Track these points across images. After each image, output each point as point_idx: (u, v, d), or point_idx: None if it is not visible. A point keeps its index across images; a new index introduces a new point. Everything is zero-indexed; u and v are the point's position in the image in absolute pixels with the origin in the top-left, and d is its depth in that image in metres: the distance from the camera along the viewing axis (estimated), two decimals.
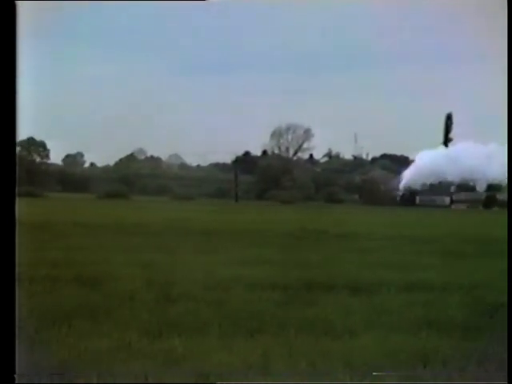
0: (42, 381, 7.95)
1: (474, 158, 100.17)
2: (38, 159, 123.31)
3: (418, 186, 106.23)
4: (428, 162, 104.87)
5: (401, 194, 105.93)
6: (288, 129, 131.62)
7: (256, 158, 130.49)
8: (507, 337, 8.26)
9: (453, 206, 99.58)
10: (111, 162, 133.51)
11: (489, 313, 11.89)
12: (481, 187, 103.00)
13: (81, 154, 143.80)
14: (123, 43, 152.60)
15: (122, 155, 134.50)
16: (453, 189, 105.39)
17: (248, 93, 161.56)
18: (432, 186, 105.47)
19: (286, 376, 8.28)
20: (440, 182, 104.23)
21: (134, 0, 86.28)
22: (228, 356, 9.05)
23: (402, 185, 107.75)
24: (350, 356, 9.10)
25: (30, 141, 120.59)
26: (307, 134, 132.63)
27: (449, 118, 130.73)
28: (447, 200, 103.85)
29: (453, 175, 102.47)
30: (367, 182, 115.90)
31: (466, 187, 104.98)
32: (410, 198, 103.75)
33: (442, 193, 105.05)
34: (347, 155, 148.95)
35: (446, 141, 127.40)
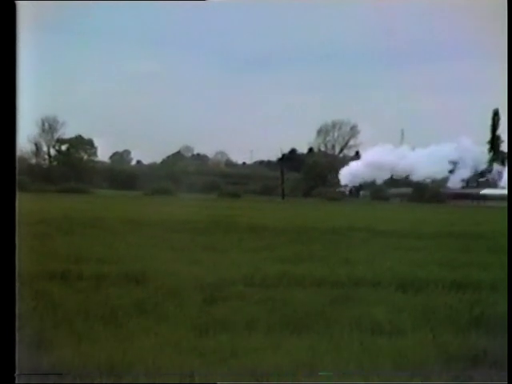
0: (43, 381, 7.99)
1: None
2: (85, 157, 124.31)
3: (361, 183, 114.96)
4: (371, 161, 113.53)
5: (349, 189, 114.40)
6: (334, 126, 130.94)
7: (302, 155, 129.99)
8: (507, 337, 8.14)
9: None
10: (158, 160, 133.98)
11: None
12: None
13: (128, 152, 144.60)
14: (162, 40, 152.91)
15: (169, 153, 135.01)
16: None
17: (293, 90, 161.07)
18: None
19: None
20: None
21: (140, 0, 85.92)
22: (275, 353, 9.04)
23: (349, 181, 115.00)
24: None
25: (78, 139, 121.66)
26: (353, 130, 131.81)
27: (496, 114, 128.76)
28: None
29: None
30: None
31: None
32: (356, 192, 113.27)
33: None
34: None
35: (494, 137, 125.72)
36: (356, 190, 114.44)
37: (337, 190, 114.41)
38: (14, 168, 7.22)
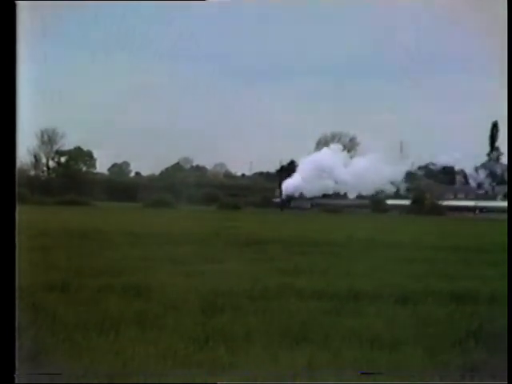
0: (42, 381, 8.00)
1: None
2: (84, 168, 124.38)
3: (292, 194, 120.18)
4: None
5: (281, 200, 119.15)
6: (333, 137, 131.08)
7: None
8: (507, 337, 8.17)
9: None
10: (157, 172, 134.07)
11: None
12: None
13: (127, 164, 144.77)
14: (161, 52, 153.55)
15: (168, 164, 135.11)
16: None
17: (292, 101, 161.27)
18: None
19: None
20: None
21: (139, 0, 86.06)
22: (273, 365, 9.07)
23: (283, 193, 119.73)
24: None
25: (77, 150, 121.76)
26: (352, 142, 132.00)
27: (495, 126, 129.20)
28: (309, 204, 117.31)
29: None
30: (412, 191, 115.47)
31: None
32: (287, 203, 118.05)
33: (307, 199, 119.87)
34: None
35: (493, 149, 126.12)
36: (287, 201, 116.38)
37: (273, 200, 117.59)
38: (14, 180, 7.24)
